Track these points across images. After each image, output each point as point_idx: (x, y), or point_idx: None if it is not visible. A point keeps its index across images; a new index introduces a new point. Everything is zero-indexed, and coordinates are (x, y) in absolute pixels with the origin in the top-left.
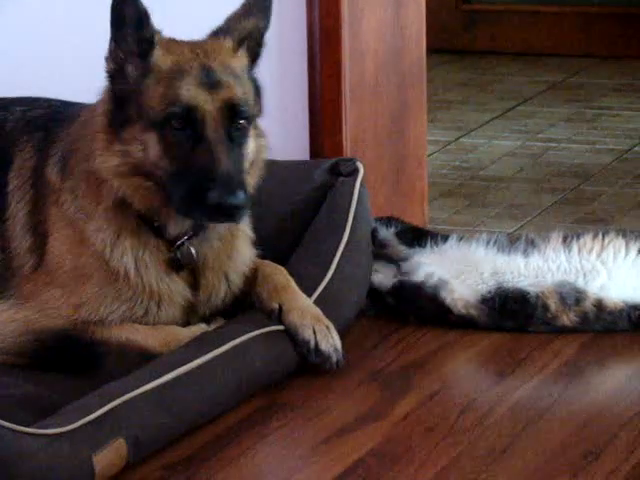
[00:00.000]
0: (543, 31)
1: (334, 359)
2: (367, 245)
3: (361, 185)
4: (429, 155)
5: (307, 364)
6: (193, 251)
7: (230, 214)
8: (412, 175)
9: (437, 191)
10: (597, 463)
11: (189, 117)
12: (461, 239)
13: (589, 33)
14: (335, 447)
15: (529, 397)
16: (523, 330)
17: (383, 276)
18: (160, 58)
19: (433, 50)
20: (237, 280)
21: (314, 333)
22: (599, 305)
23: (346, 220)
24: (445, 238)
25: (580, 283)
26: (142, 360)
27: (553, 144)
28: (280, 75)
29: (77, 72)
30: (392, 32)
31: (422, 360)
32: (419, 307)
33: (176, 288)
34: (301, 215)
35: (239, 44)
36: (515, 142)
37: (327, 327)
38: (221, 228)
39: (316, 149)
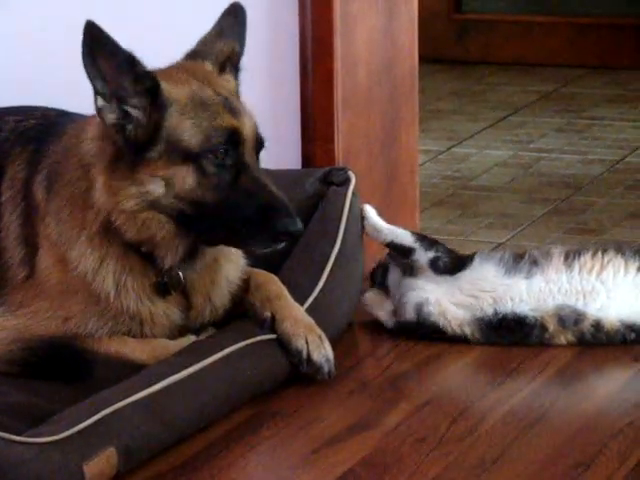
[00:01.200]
0: (535, 41)
1: (326, 369)
2: (359, 255)
3: (353, 194)
4: (421, 164)
5: (298, 374)
6: (181, 275)
7: (293, 239)
8: (404, 184)
9: (429, 201)
10: (588, 473)
11: (230, 144)
12: (481, 260)
13: (581, 43)
14: (325, 457)
15: (520, 407)
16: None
17: (385, 316)
18: (172, 91)
19: (425, 60)
20: (220, 303)
21: (306, 343)
22: (597, 325)
23: (338, 229)
24: (472, 260)
25: (580, 305)
26: (132, 370)
27: (544, 154)
28: (272, 84)
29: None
30: (384, 41)
31: (413, 370)
32: (421, 335)
33: (157, 311)
34: None
35: (221, 68)
36: (507, 152)
37: (320, 337)
38: (209, 254)
39: (308, 158)
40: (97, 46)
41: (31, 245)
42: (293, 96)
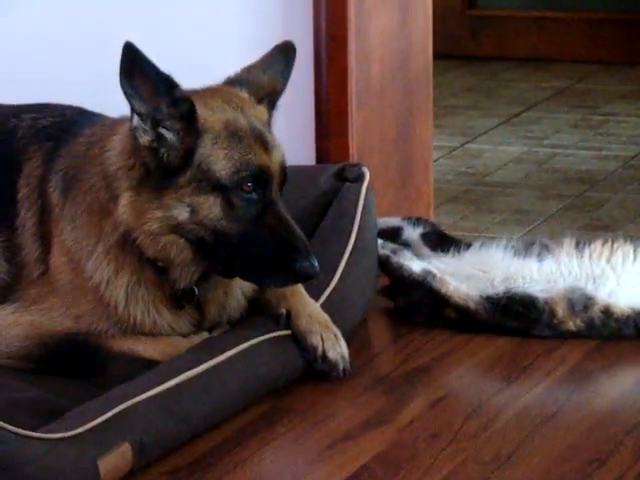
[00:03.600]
0: (549, 37)
1: (341, 367)
2: (373, 250)
3: (367, 190)
4: (435, 160)
5: (313, 370)
6: (196, 290)
7: (310, 279)
8: (418, 180)
9: (443, 197)
10: (602, 470)
11: (259, 180)
12: (482, 245)
13: (595, 39)
14: (340, 452)
15: (535, 403)
16: (526, 333)
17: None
18: (208, 118)
19: (439, 56)
20: (236, 312)
21: (322, 340)
22: (606, 311)
23: (352, 226)
24: (468, 246)
25: (590, 289)
26: (146, 366)
27: (559, 150)
28: None
29: (84, 76)
30: (398, 38)
31: (427, 366)
32: (411, 295)
33: (162, 324)
34: (307, 221)
35: (258, 101)
36: (521, 148)
37: (335, 335)
38: None
39: (322, 154)
40: (135, 66)
41: (47, 243)
42: (307, 92)
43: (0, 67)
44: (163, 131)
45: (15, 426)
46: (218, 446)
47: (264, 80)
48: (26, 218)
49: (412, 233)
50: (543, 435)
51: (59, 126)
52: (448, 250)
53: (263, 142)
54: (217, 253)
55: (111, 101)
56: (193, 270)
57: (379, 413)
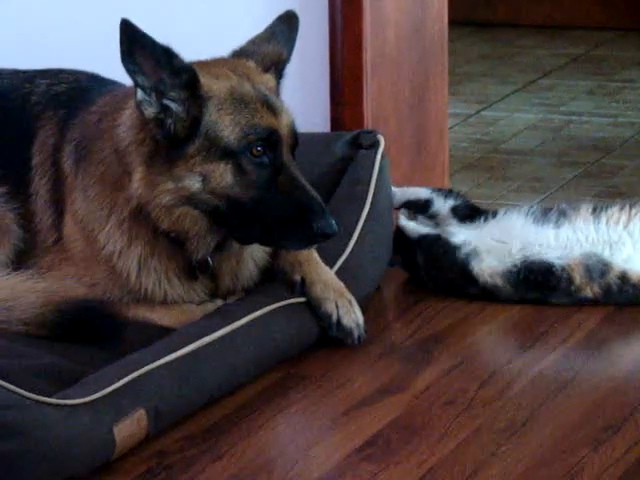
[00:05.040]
0: (565, 3)
1: (356, 334)
2: (388, 218)
3: (382, 158)
4: (450, 128)
5: (328, 337)
6: (210, 260)
7: (329, 238)
8: (433, 148)
9: (458, 164)
10: (617, 436)
11: (269, 143)
12: (505, 213)
13: (611, 6)
14: (355, 419)
15: (549, 370)
16: (545, 302)
17: (422, 225)
18: (212, 86)
19: (454, 22)
20: (249, 281)
21: (336, 307)
22: (623, 277)
23: (367, 193)
24: (494, 214)
25: (606, 255)
26: (162, 332)
27: (574, 117)
28: (301, 47)
29: (95, 39)
30: (414, 4)
31: (442, 333)
32: (444, 269)
33: (173, 294)
34: (322, 188)
35: (264, 69)
36: (536, 115)
37: (350, 302)
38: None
39: (337, 121)
40: (134, 42)
41: (60, 210)
42: (322, 59)
43: (15, 33)
44: (168, 102)
45: (31, 392)
46: (232, 413)
47: (269, 49)
48: (40, 185)
49: (442, 205)
50: (558, 402)
51: (73, 93)
52: (475, 221)
53: (270, 106)
54: (233, 221)
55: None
56: (209, 241)
57: (394, 380)
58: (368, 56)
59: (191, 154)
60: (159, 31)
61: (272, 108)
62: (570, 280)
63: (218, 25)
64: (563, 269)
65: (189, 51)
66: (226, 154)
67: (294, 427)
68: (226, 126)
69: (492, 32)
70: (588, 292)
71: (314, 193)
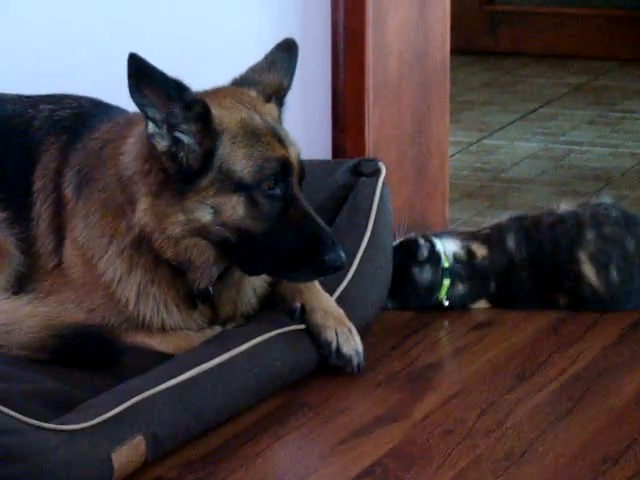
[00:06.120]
0: (567, 33)
1: (355, 362)
2: (388, 246)
3: (383, 185)
4: (451, 156)
5: (327, 365)
6: (211, 289)
7: (338, 270)
8: (434, 176)
9: (458, 192)
10: (616, 468)
11: (281, 176)
12: None
13: (613, 36)
14: (353, 448)
15: (549, 401)
16: None
17: None
18: (224, 119)
19: (456, 51)
20: (248, 309)
21: (336, 335)
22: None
23: (368, 220)
24: None
25: None
26: (161, 358)
27: (575, 147)
28: (303, 74)
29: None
30: (416, 32)
31: (441, 362)
32: None
33: (170, 323)
34: (323, 215)
35: (266, 99)
36: (537, 144)
37: (349, 329)
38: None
39: (338, 149)
40: (142, 76)
41: (61, 236)
42: (324, 86)
43: (20, 60)
44: (179, 135)
45: (29, 417)
46: (231, 439)
47: (270, 78)
48: (41, 210)
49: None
50: (557, 433)
51: (76, 118)
52: None
53: (280, 138)
54: (242, 252)
55: (124, 95)
56: (214, 271)
57: (393, 408)
58: (370, 84)
59: (203, 186)
60: (157, 55)
61: (281, 140)
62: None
63: (218, 50)
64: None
65: (190, 77)
66: (239, 187)
67: (292, 455)
68: (240, 160)
69: (494, 61)
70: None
71: (324, 225)
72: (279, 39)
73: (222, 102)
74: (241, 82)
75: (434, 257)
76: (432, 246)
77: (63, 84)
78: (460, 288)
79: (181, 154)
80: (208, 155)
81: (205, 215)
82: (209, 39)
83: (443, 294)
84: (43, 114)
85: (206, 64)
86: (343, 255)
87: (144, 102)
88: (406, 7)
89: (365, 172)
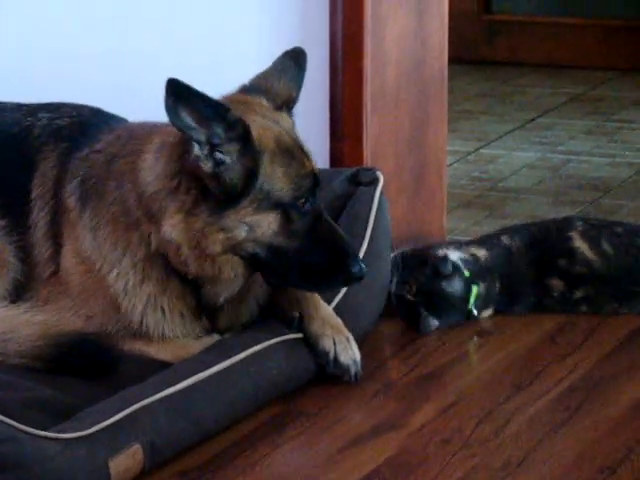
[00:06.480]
0: (564, 43)
1: (353, 371)
2: (386, 255)
3: (381, 195)
4: (449, 165)
5: (324, 374)
6: (222, 299)
7: (360, 280)
8: (432, 185)
9: (456, 201)
10: (613, 478)
11: (312, 191)
12: None
13: (610, 46)
14: (351, 457)
15: (546, 410)
16: None
17: None
18: (262, 138)
19: (454, 60)
20: (248, 319)
21: (334, 344)
22: None
23: (365, 229)
24: None
25: None
26: (159, 366)
27: (573, 157)
28: None
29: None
30: (414, 41)
31: (439, 371)
32: None
33: (171, 331)
34: None
35: (276, 107)
36: (535, 154)
37: (347, 339)
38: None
39: (336, 158)
40: (181, 101)
41: (58, 243)
42: (322, 95)
43: (18, 67)
44: (221, 156)
45: (27, 425)
46: (229, 448)
47: (280, 88)
48: (39, 217)
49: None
50: (554, 442)
51: (75, 126)
52: None
53: (305, 152)
54: (270, 266)
55: (127, 104)
56: (236, 286)
57: (390, 418)
58: (368, 93)
59: (243, 205)
60: (157, 54)
61: (307, 154)
62: None
63: (219, 59)
64: None
65: (190, 77)
66: (277, 205)
67: (290, 464)
68: (279, 178)
69: (492, 70)
70: None
71: (346, 237)
72: (278, 49)
73: (254, 118)
74: (250, 89)
75: (456, 268)
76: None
77: (63, 93)
78: (482, 289)
79: (226, 175)
80: (250, 175)
81: (241, 232)
82: (205, 51)
83: (472, 302)
84: (42, 122)
85: (201, 74)
86: (364, 266)
87: (187, 125)
88: (404, 16)
89: (363, 181)
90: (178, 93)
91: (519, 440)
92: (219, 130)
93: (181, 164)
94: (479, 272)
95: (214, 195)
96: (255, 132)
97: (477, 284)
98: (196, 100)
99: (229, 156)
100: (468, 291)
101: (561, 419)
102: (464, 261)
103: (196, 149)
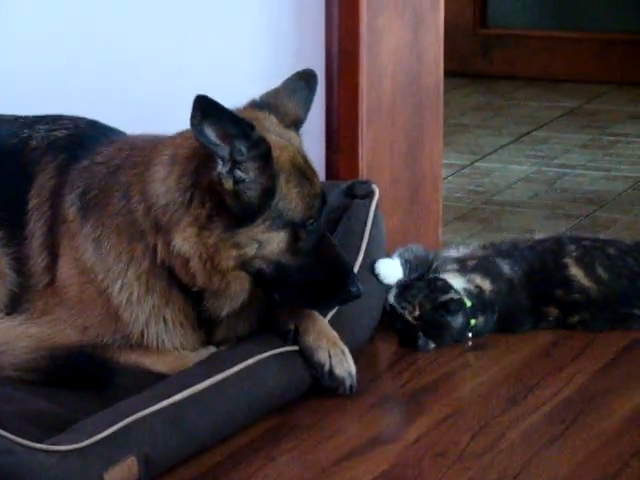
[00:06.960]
0: (560, 57)
1: (348, 384)
2: None
3: (376, 208)
4: (444, 179)
5: (320, 386)
6: (224, 312)
7: (357, 299)
8: (427, 198)
9: (451, 215)
10: None
11: (320, 211)
12: None
13: (606, 59)
14: (345, 470)
15: (541, 423)
16: None
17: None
18: (280, 158)
19: (449, 74)
20: (245, 332)
21: (329, 357)
22: None
23: (361, 242)
24: None
25: None
26: (154, 379)
27: (568, 170)
28: None
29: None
30: (410, 55)
31: (433, 384)
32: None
33: (169, 343)
34: None
35: (285, 127)
36: (530, 167)
37: (342, 351)
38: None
39: (332, 171)
40: (209, 119)
41: (54, 254)
42: (318, 108)
43: (16, 80)
44: (240, 173)
45: (22, 438)
46: (224, 461)
47: (290, 108)
48: (35, 228)
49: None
50: (549, 455)
51: (72, 138)
52: None
53: (314, 172)
54: (275, 283)
55: (125, 117)
56: (240, 300)
57: (385, 431)
58: (364, 106)
59: (257, 223)
60: (155, 55)
61: (315, 174)
62: None
63: (214, 80)
64: None
65: (190, 77)
66: (288, 224)
67: (285, 477)
68: (294, 199)
69: (487, 84)
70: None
71: (345, 256)
72: (273, 63)
73: (272, 137)
74: (260, 105)
75: (459, 302)
76: (453, 289)
77: (61, 105)
78: (481, 321)
79: (245, 193)
80: (267, 194)
81: (252, 249)
82: (202, 64)
83: (468, 330)
84: (39, 134)
85: (198, 89)
86: (361, 287)
87: (211, 142)
88: (400, 30)
89: (359, 194)
90: (205, 110)
91: (514, 453)
92: (242, 148)
93: (195, 177)
94: (481, 305)
95: (229, 211)
96: (274, 152)
97: (477, 317)
98: (223, 117)
99: (248, 174)
100: (468, 322)
101: (556, 432)
102: (468, 292)
103: (220, 166)
